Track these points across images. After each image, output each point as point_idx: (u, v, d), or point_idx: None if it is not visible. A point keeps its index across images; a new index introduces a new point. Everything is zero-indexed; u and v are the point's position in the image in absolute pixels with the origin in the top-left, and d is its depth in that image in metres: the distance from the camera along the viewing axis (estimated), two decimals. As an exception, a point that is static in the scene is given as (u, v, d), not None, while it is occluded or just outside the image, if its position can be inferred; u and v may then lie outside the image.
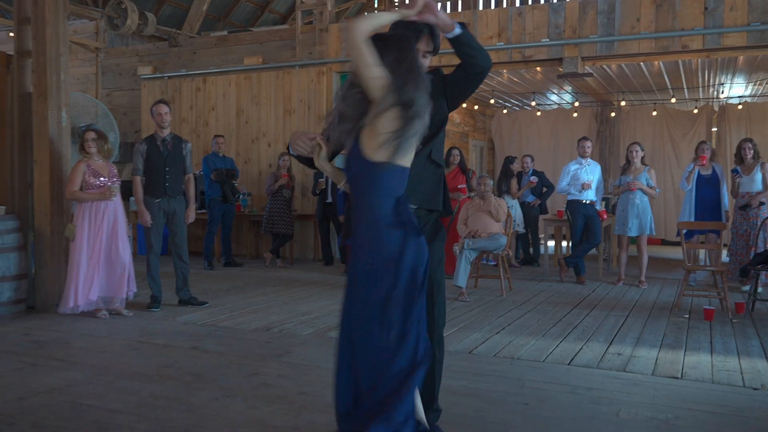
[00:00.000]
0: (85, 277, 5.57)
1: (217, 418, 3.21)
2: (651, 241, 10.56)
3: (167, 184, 6.01)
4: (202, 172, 9.20)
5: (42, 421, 3.15)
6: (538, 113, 13.14)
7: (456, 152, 8.39)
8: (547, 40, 8.81)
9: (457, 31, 2.56)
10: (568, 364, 4.25)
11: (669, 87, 11.37)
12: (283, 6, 15.82)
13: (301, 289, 7.25)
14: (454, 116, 11.68)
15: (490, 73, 10.55)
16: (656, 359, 4.37)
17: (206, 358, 4.32)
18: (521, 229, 9.31)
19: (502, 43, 9.03)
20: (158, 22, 13.10)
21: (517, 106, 13.85)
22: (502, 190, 9.43)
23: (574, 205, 7.86)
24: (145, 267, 6.07)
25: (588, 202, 7.83)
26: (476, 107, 12.44)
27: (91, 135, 5.74)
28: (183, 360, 4.26)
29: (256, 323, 5.42)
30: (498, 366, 4.18)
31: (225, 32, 11.75)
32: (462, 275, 6.63)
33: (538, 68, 9.73)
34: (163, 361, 4.23)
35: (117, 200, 5.77)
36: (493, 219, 6.98)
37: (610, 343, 4.80)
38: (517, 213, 9.18)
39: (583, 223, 7.83)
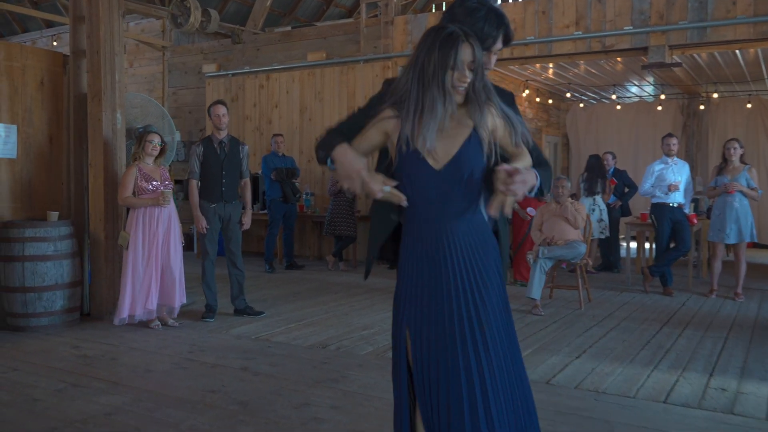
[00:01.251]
0: (141, 286, 5.34)
1: (260, 462, 2.85)
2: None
3: (223, 189, 5.73)
4: (261, 173, 8.95)
5: (70, 460, 2.86)
6: (618, 107, 12.31)
7: None
8: (631, 27, 8.10)
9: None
10: (664, 401, 3.68)
11: (766, 77, 10.39)
12: (349, 0, 15.47)
13: (363, 296, 6.86)
14: (527, 111, 11.04)
15: (565, 65, 9.92)
16: (769, 397, 3.75)
17: (256, 382, 3.97)
18: (606, 234, 8.58)
19: (580, 32, 8.36)
20: (223, 18, 13.00)
21: (594, 99, 13.05)
22: (595, 191, 8.66)
23: (659, 209, 7.16)
24: (200, 274, 5.83)
25: (676, 205, 7.11)
26: (550, 101, 11.73)
27: (157, 138, 5.50)
28: (231, 384, 3.92)
29: (313, 338, 5.06)
30: (581, 401, 3.66)
31: (289, 27, 11.48)
32: (536, 286, 6.09)
33: (619, 58, 9.02)
34: (210, 384, 3.91)
35: (171, 204, 5.54)
36: (570, 225, 6.39)
37: (711, 374, 4.19)
38: (605, 217, 8.48)
39: (670, 229, 7.12)
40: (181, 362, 4.40)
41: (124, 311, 5.29)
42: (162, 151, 5.58)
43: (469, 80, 1.98)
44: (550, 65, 9.94)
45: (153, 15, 11.66)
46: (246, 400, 3.64)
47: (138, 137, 5.68)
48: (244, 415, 3.41)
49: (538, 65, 9.85)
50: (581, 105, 12.86)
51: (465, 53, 1.95)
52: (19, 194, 5.68)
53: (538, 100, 11.17)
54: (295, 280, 7.99)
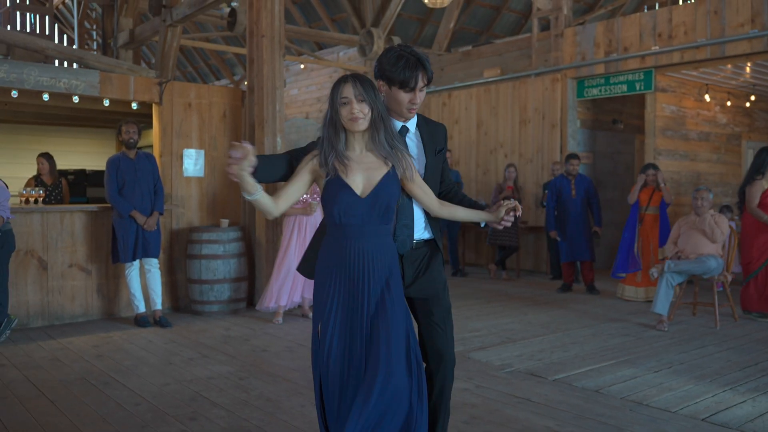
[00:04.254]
0: (290, 281, 6.35)
1: (303, 417, 3.53)
2: None
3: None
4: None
5: (161, 406, 3.82)
6: None
7: None
8: (817, 21, 7.29)
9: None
10: (704, 419, 3.60)
11: None
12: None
13: (498, 303, 7.19)
14: (718, 116, 10.21)
15: (758, 65, 9.05)
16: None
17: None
18: None
19: (756, 30, 7.71)
20: (422, 42, 13.98)
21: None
22: None
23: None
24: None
25: None
26: (747, 104, 10.68)
27: None
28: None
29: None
30: (615, 410, 3.73)
31: (469, 47, 12.05)
32: (662, 301, 5.91)
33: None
34: (301, 364, 4.69)
35: (317, 214, 6.49)
36: (707, 238, 6.07)
37: (791, 401, 3.90)
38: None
39: None
40: (293, 346, 5.26)
41: (268, 301, 6.32)
42: None
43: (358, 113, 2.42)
44: (748, 67, 9.16)
45: (354, 44, 13.03)
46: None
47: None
48: (310, 390, 4.11)
49: (729, 67, 9.16)
50: (802, 105, 11.43)
51: (344, 90, 2.43)
52: (205, 205, 7.07)
53: (729, 103, 10.27)
54: (451, 286, 8.51)
